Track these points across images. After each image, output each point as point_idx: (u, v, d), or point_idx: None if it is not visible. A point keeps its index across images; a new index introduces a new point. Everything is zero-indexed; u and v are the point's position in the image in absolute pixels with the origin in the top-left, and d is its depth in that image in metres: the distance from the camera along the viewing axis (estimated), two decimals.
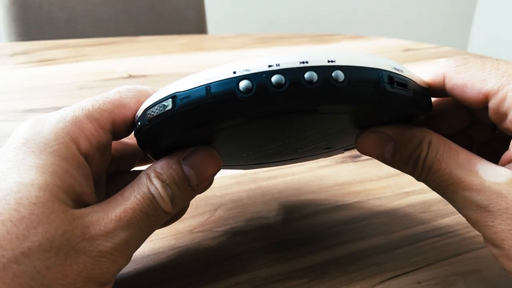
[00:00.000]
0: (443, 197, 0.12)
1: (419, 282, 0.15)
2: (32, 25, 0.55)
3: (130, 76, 0.37)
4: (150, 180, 0.12)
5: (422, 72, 0.13)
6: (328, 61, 0.10)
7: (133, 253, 0.12)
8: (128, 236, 0.11)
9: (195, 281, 0.15)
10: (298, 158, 0.17)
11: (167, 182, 0.12)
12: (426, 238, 0.17)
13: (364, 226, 0.18)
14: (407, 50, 0.48)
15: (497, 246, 0.11)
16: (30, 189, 0.10)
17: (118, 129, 0.12)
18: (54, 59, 0.41)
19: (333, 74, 0.10)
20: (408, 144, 0.12)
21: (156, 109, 0.11)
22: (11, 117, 0.28)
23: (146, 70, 0.38)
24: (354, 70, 0.10)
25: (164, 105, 0.11)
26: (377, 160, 0.13)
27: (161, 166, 0.12)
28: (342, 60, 0.10)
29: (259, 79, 0.10)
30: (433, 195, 0.20)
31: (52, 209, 0.10)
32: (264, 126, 0.11)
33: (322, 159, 0.23)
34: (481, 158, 0.12)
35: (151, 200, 0.11)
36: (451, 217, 0.18)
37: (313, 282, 0.15)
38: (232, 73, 0.10)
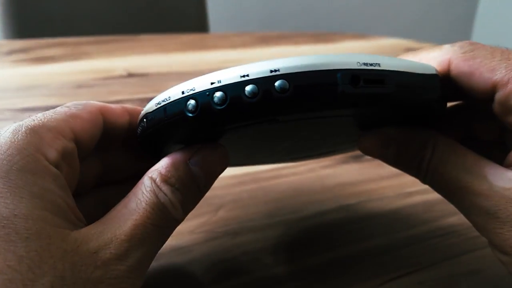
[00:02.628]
0: (448, 201, 0.12)
1: (421, 283, 0.15)
2: (30, 23, 0.55)
3: (130, 75, 0.36)
4: (157, 185, 0.10)
5: (425, 59, 0.12)
6: (271, 71, 0.09)
7: (147, 269, 0.10)
8: (142, 255, 0.10)
9: (196, 282, 0.15)
10: (325, 153, 0.17)
11: (176, 186, 0.10)
12: (428, 238, 0.17)
13: (366, 226, 0.18)
14: (409, 49, 0.48)
15: (506, 253, 0.11)
16: (14, 221, 0.08)
17: (80, 139, 0.11)
18: (52, 57, 0.40)
19: (276, 84, 0.09)
20: (411, 145, 0.12)
21: (140, 126, 0.12)
22: (8, 116, 0.28)
23: (146, 68, 0.38)
24: (302, 75, 0.09)
25: (142, 124, 0.11)
26: (379, 160, 0.13)
27: (166, 168, 0.11)
28: (288, 67, 0.09)
29: (203, 98, 0.10)
30: (435, 195, 0.19)
31: (50, 239, 0.09)
32: (242, 136, 0.11)
33: (324, 158, 0.23)
34: (489, 160, 0.11)
35: (161, 210, 0.10)
36: (453, 217, 0.18)
37: (315, 283, 0.15)
38: (181, 93, 0.10)
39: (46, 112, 0.11)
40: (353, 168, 0.22)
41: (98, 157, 0.14)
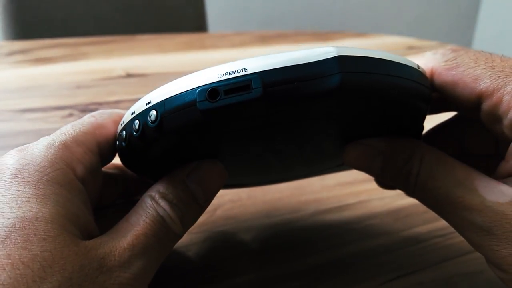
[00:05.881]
0: (440, 216, 0.11)
1: (422, 283, 0.15)
2: (30, 24, 0.55)
3: (128, 75, 0.36)
4: (156, 201, 0.11)
5: None
6: (146, 104, 0.10)
7: (150, 281, 0.11)
8: (144, 263, 0.10)
9: (194, 282, 0.14)
10: (320, 171, 0.17)
11: (174, 201, 0.11)
12: (429, 238, 0.17)
13: (366, 226, 0.18)
14: (411, 48, 0.48)
15: (503, 270, 0.10)
16: (35, 223, 0.09)
17: (103, 151, 0.12)
18: (51, 58, 0.40)
19: (149, 115, 0.10)
20: (397, 158, 0.11)
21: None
22: (8, 117, 0.28)
23: (144, 68, 0.38)
24: (167, 103, 0.09)
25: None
26: None
27: (164, 185, 0.11)
28: (156, 96, 0.10)
29: (129, 128, 0.10)
30: None
31: (64, 243, 0.09)
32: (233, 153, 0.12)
33: None
34: (479, 173, 0.11)
35: (161, 223, 0.11)
36: None
37: (315, 283, 0.15)
38: (121, 124, 0.11)
39: (75, 123, 0.12)
40: None
41: (123, 170, 0.14)
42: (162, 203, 0.11)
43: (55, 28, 0.56)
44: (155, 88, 0.10)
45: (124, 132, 0.11)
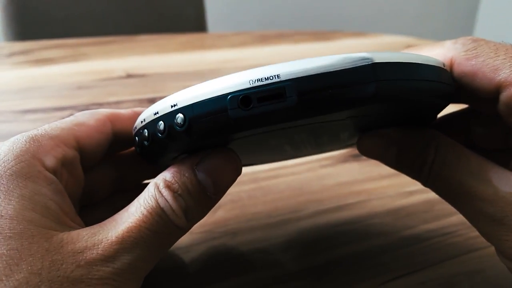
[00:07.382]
0: (452, 205, 0.12)
1: (423, 283, 0.15)
2: (30, 25, 0.55)
3: (129, 76, 0.36)
4: (159, 190, 0.10)
5: None
6: (172, 106, 0.10)
7: (144, 275, 0.10)
8: (133, 259, 0.10)
9: (194, 283, 0.15)
10: (329, 149, 0.17)
11: (179, 192, 0.10)
12: (429, 238, 0.17)
13: (366, 226, 0.18)
14: (409, 47, 0.48)
15: None
16: (0, 221, 0.09)
17: (85, 146, 0.12)
18: (52, 59, 0.40)
19: (176, 119, 0.09)
20: (412, 147, 0.11)
21: (135, 139, 0.12)
22: (9, 118, 0.28)
23: (145, 69, 0.38)
24: (195, 107, 0.09)
25: (135, 139, 0.12)
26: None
27: (171, 173, 0.10)
28: (184, 99, 0.09)
29: (153, 129, 0.10)
30: (435, 195, 0.19)
31: (32, 239, 0.09)
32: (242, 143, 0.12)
33: (323, 156, 0.23)
34: (494, 164, 0.11)
35: (160, 215, 0.10)
36: (454, 216, 0.18)
37: (315, 283, 0.15)
38: (141, 122, 0.11)
39: (53, 122, 0.12)
40: (352, 167, 0.22)
41: (112, 164, 0.14)
42: (165, 193, 0.10)
43: (55, 29, 0.56)
44: (179, 90, 0.10)
45: (146, 130, 0.11)
